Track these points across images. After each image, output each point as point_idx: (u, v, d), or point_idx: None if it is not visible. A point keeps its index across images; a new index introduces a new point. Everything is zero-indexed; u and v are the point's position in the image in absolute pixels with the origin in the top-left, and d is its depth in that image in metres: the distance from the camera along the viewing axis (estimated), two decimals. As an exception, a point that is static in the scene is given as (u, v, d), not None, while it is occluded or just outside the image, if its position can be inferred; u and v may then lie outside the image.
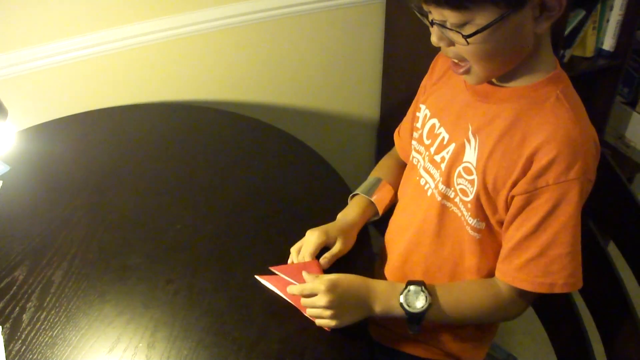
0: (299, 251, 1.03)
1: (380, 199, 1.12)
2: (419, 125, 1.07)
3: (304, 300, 0.94)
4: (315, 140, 1.42)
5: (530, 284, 0.88)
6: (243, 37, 1.58)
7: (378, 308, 0.94)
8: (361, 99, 1.89)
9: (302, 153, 1.32)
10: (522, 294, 0.91)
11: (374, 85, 1.86)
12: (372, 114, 1.94)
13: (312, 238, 1.02)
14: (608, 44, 1.75)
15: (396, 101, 1.82)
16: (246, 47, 1.60)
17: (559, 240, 0.85)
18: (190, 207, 1.17)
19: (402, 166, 1.17)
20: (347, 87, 1.83)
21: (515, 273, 0.89)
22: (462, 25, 0.79)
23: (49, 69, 1.41)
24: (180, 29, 1.49)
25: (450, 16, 0.79)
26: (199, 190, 1.22)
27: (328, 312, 0.91)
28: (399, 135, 1.19)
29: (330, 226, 1.05)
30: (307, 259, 1.00)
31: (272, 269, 1.01)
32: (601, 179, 0.92)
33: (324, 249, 1.03)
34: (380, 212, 1.12)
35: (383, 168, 1.20)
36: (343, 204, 1.13)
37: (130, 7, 1.41)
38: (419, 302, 0.92)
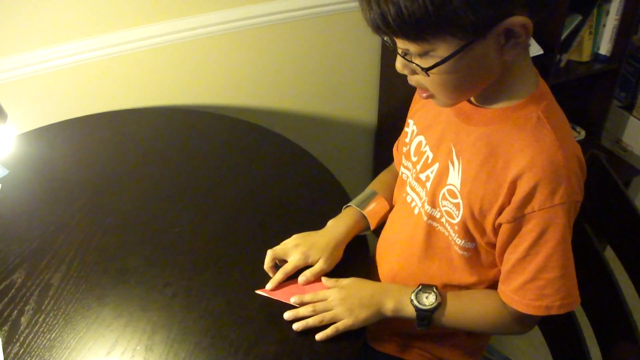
0: (275, 260, 1.03)
1: (373, 212, 1.11)
2: (407, 140, 1.07)
3: (317, 305, 0.95)
4: (312, 145, 1.43)
5: (525, 306, 0.88)
6: (241, 42, 1.58)
7: (390, 304, 0.95)
8: (359, 104, 1.90)
9: (299, 157, 1.32)
10: (522, 314, 0.90)
11: (371, 90, 1.87)
12: (370, 118, 1.95)
13: (292, 259, 1.02)
14: (604, 48, 1.75)
15: (394, 106, 1.83)
16: (244, 52, 1.61)
17: (550, 265, 0.84)
18: (188, 210, 1.18)
19: None
20: (344, 92, 1.84)
21: (512, 295, 0.89)
22: (423, 54, 0.77)
23: (49, 73, 1.42)
24: (179, 34, 1.49)
25: (410, 46, 0.77)
26: (197, 194, 1.22)
27: (342, 309, 0.93)
28: (397, 149, 1.18)
29: (313, 245, 1.03)
30: (279, 277, 1.00)
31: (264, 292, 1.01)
32: (598, 183, 0.92)
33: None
34: (372, 226, 1.10)
35: (380, 183, 1.19)
36: (340, 209, 1.13)
37: (129, 12, 1.42)
38: (429, 300, 0.94)
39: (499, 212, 0.85)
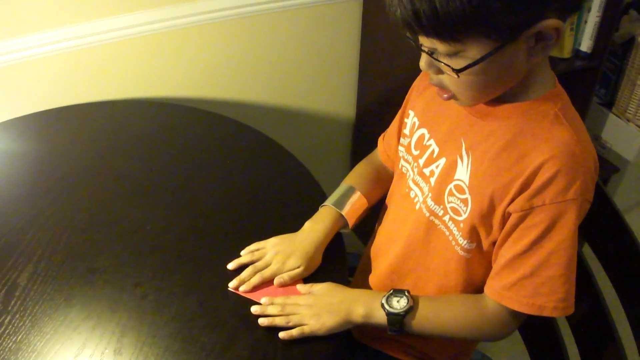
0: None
1: (352, 212, 1.08)
2: (407, 131, 1.04)
3: (287, 306, 0.93)
4: (289, 140, 1.41)
5: (518, 303, 0.86)
6: (217, 34, 1.56)
7: (360, 310, 0.93)
8: (337, 98, 1.88)
9: (275, 153, 1.31)
10: (509, 313, 0.89)
11: (349, 83, 1.85)
12: (348, 113, 1.93)
13: (272, 267, 1.00)
14: (585, 45, 1.75)
15: (372, 100, 1.81)
16: (220, 44, 1.58)
17: (552, 262, 0.82)
18: (159, 207, 1.15)
19: (380, 173, 1.15)
20: (322, 86, 1.82)
21: (504, 291, 0.87)
22: (453, 55, 0.76)
23: (19, 64, 1.38)
24: (156, 24, 1.46)
25: (440, 46, 0.76)
26: (170, 191, 1.20)
27: (309, 313, 0.91)
28: (384, 139, 1.16)
29: (292, 253, 1.01)
30: (255, 281, 0.98)
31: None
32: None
33: None
34: (351, 225, 1.08)
35: (358, 176, 1.16)
36: (315, 205, 1.10)
37: (104, 1, 1.38)
38: (400, 304, 0.92)
39: (509, 203, 0.84)
